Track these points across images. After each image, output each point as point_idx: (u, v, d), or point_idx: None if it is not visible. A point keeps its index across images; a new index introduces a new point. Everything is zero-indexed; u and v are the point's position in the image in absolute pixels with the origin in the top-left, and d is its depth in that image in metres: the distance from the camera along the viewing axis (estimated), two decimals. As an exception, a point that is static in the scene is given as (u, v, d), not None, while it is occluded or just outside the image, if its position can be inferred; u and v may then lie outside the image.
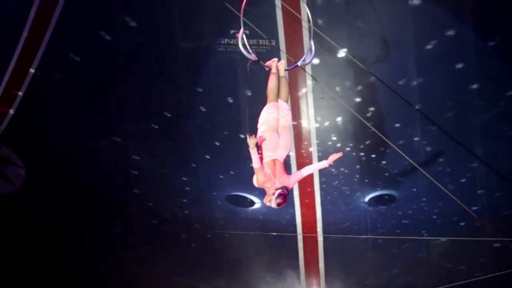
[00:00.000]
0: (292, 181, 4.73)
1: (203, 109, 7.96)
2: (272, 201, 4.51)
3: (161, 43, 7.42)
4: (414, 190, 8.33)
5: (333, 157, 4.87)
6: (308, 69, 7.34)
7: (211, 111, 8.01)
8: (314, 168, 4.98)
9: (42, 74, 7.53)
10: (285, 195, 4.51)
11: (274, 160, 4.68)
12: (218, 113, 8.03)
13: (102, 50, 7.41)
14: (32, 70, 7.50)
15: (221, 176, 8.67)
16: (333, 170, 8.18)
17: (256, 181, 4.53)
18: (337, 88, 7.62)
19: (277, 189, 4.52)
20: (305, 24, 7.05)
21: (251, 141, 4.39)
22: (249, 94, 7.53)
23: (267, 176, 4.51)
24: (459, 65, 7.08)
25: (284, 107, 4.94)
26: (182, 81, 7.75)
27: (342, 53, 7.14)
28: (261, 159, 4.58)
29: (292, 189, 5.87)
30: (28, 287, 9.33)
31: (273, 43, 7.17)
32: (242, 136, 7.98)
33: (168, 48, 7.47)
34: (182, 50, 7.49)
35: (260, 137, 4.67)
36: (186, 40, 7.40)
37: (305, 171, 4.88)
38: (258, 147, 4.61)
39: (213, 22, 7.17)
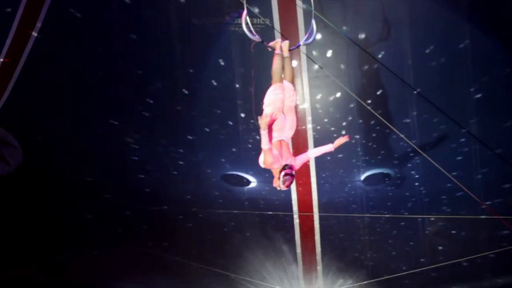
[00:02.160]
0: (298, 162, 4.70)
1: (201, 87, 7.97)
2: (280, 185, 4.47)
3: (160, 17, 7.44)
4: (411, 169, 8.34)
5: (339, 141, 4.87)
6: (303, 48, 7.27)
7: (208, 91, 8.01)
8: (320, 151, 4.91)
9: (44, 38, 7.44)
10: (291, 174, 4.45)
11: (280, 141, 4.65)
12: (215, 92, 8.02)
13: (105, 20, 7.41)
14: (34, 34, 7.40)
15: (217, 155, 8.70)
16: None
17: (263, 162, 4.47)
18: (333, 67, 7.60)
19: (281, 171, 4.46)
20: (299, 3, 6.99)
21: (262, 122, 4.31)
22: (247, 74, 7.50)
23: (275, 157, 4.46)
24: (461, 45, 6.99)
25: (289, 87, 4.89)
26: (180, 58, 7.74)
27: (338, 31, 7.08)
28: (270, 140, 4.50)
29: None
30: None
31: (268, 22, 7.10)
32: (243, 115, 8.01)
33: (167, 23, 7.47)
34: (178, 28, 7.49)
35: (271, 115, 4.55)
36: (182, 18, 7.41)
37: (311, 153, 4.87)
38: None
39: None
